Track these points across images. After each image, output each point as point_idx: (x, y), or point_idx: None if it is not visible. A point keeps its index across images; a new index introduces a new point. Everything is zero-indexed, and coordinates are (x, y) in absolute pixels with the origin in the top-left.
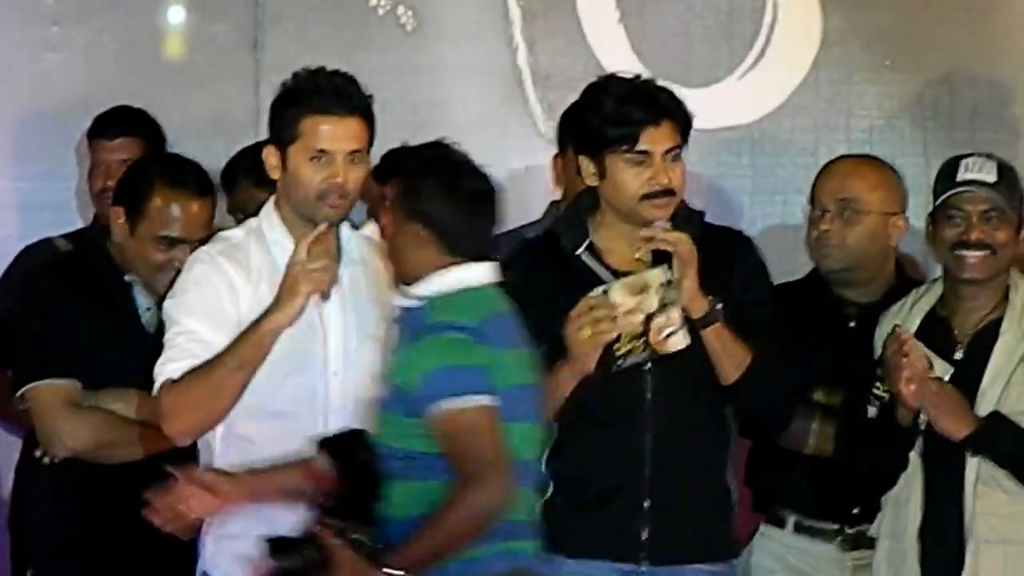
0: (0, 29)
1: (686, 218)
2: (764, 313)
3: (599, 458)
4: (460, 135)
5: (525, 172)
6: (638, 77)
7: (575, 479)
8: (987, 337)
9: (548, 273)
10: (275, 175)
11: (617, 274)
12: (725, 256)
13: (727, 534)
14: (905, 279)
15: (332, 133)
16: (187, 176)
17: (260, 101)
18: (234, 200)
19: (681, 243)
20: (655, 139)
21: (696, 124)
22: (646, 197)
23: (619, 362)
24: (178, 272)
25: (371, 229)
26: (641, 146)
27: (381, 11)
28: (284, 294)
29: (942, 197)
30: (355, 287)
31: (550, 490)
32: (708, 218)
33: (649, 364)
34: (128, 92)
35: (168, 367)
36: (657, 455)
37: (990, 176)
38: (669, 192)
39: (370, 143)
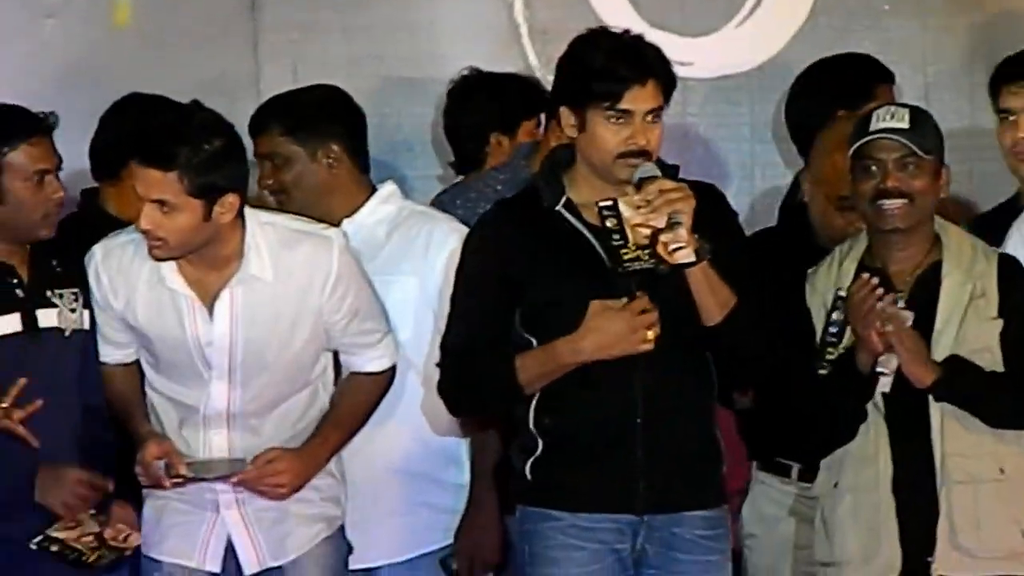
0: None
1: (663, 171)
2: (739, 260)
3: (591, 412)
4: None
5: None
6: (627, 32)
7: (566, 433)
8: (929, 282)
9: (529, 229)
10: None
11: (594, 229)
12: (700, 208)
13: (718, 480)
14: None
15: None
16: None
17: (259, 62)
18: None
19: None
20: (638, 99)
21: (695, 73)
22: (621, 156)
23: (626, 265)
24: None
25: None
26: (623, 105)
27: None
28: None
29: (856, 146)
30: (250, 303)
31: (540, 445)
32: (707, 165)
33: (658, 269)
34: (128, 56)
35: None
36: (648, 406)
37: (902, 123)
38: (644, 153)
39: (196, 192)
